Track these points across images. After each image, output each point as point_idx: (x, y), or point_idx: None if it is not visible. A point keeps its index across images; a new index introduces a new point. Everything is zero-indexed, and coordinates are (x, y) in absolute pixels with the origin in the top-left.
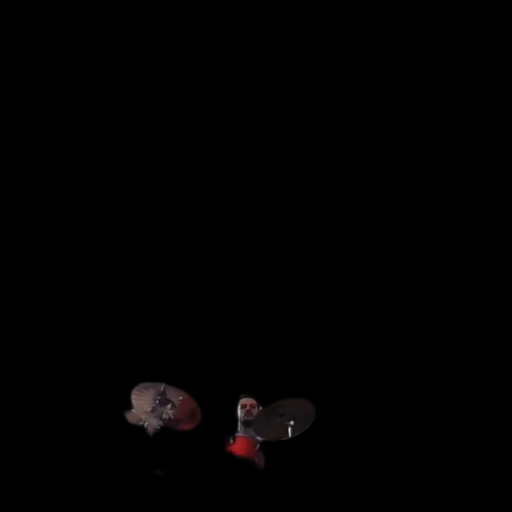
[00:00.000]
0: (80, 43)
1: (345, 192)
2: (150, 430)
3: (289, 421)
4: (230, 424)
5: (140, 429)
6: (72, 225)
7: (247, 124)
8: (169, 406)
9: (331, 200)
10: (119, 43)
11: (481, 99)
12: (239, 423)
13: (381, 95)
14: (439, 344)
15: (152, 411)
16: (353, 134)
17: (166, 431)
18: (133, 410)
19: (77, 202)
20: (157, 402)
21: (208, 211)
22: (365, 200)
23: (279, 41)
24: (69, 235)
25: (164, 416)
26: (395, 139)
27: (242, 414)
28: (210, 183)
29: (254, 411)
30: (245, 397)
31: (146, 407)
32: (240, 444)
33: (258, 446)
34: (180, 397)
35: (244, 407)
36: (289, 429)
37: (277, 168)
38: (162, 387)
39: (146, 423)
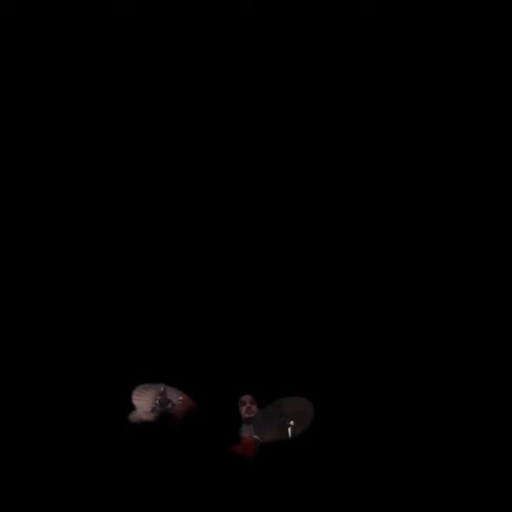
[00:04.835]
0: (79, 43)
1: (345, 192)
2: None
3: (289, 421)
4: (231, 425)
5: (140, 429)
6: (71, 224)
7: (246, 123)
8: (169, 406)
9: (330, 200)
10: (119, 43)
11: (480, 99)
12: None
13: (381, 95)
14: (438, 344)
15: (152, 411)
16: (353, 134)
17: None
18: (134, 411)
19: (77, 201)
20: (157, 402)
21: (207, 211)
22: (365, 200)
23: (279, 41)
24: (69, 234)
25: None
26: (395, 139)
27: (243, 412)
28: (209, 182)
29: (254, 407)
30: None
31: (146, 407)
32: (242, 444)
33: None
34: (180, 398)
35: (243, 404)
36: (289, 430)
37: (277, 167)
38: (162, 387)
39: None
